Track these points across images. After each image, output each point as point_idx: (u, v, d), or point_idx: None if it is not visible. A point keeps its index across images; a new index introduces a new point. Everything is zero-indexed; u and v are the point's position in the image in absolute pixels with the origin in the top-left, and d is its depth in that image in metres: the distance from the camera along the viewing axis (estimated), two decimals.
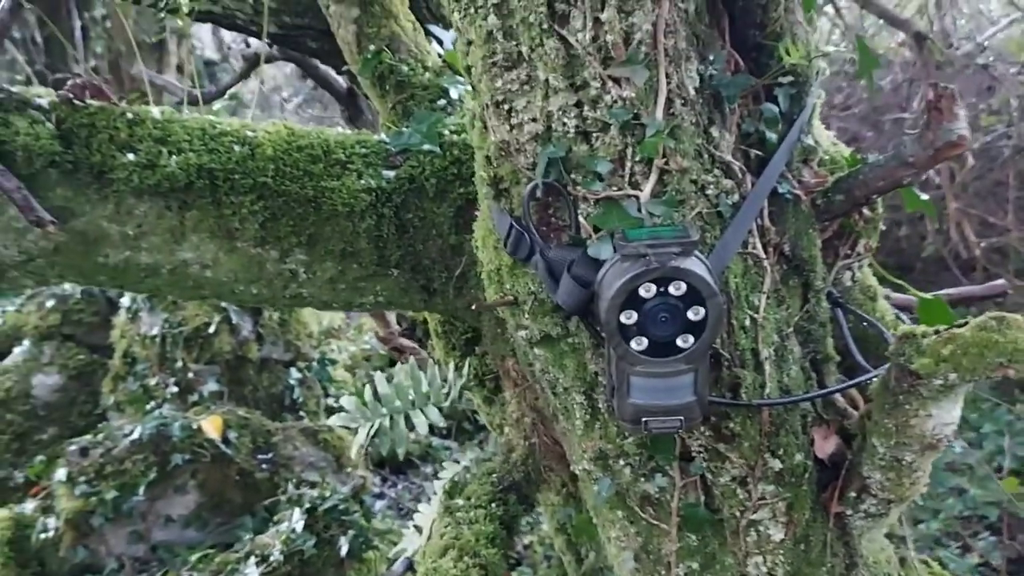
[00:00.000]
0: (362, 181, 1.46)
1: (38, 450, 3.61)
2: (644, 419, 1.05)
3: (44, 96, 1.34)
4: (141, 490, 2.83)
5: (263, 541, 2.39)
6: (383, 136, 1.54)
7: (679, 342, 1.01)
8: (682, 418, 1.04)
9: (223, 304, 3.49)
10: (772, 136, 1.15)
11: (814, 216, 1.22)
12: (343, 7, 1.65)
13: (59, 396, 3.78)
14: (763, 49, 1.12)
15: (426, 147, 1.50)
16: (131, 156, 1.35)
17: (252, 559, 2.28)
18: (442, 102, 1.64)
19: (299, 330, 3.90)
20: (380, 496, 4.34)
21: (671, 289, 0.98)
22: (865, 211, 1.25)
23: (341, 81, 3.30)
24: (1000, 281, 1.85)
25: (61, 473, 2.83)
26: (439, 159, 1.50)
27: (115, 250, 1.40)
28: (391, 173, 1.49)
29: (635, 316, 0.99)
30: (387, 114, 1.68)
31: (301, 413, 3.61)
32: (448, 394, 1.68)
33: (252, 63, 3.33)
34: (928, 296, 1.42)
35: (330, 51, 1.78)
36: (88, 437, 2.95)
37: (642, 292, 0.98)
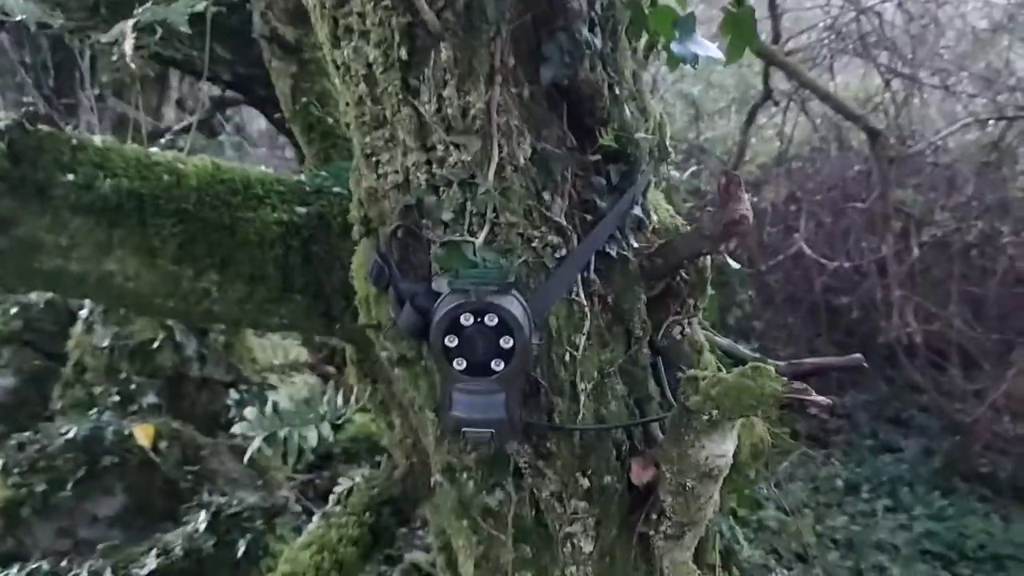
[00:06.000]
0: (275, 215, 1.67)
1: None
2: (463, 429, 1.24)
3: (1, 120, 1.55)
4: (69, 486, 2.99)
5: (168, 538, 2.54)
6: (302, 177, 1.75)
7: (493, 365, 1.20)
8: (494, 431, 1.23)
9: (169, 322, 3.69)
10: (603, 204, 1.36)
11: (640, 276, 1.42)
12: (283, 63, 1.88)
13: (12, 398, 3.92)
14: (595, 132, 1.34)
15: (336, 189, 1.71)
16: (71, 176, 1.56)
17: (153, 551, 2.43)
18: None
19: (243, 354, 4.08)
20: None
21: (486, 320, 1.18)
22: (686, 275, 1.46)
23: None
24: (856, 355, 2.04)
25: None
26: (347, 201, 1.71)
27: (49, 258, 1.59)
28: (303, 210, 1.70)
29: (456, 340, 1.19)
30: (311, 158, 1.90)
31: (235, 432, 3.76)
32: (342, 416, 1.85)
33: (217, 104, 3.60)
34: (756, 356, 1.62)
35: (276, 99, 2.00)
36: (28, 434, 3.12)
37: (463, 320, 1.19)
